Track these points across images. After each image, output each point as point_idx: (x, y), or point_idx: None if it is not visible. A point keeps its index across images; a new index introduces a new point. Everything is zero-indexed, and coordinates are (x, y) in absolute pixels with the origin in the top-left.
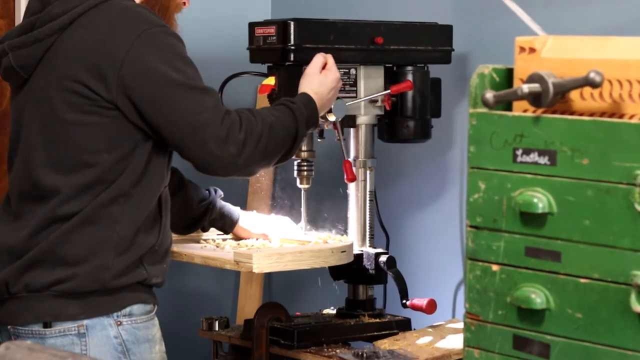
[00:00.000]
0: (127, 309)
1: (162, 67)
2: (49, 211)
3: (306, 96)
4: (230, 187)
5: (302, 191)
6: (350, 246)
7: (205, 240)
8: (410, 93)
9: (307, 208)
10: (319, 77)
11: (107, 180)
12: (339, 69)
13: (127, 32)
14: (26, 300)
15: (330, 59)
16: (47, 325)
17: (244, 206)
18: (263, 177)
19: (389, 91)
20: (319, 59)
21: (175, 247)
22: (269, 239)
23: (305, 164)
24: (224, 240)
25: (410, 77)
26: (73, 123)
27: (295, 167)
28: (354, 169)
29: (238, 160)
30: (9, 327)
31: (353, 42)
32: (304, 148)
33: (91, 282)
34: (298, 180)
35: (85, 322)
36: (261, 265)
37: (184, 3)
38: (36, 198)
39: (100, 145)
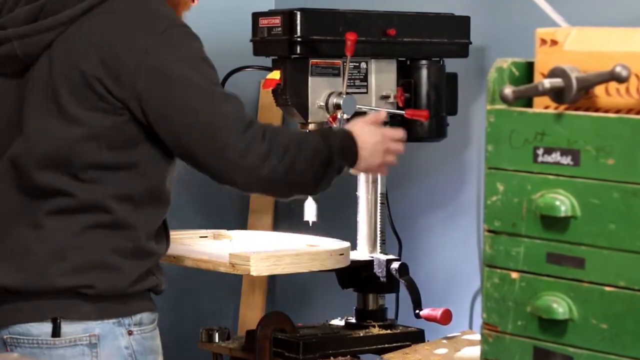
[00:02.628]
0: (138, 317)
1: (182, 68)
2: (49, 211)
3: (345, 131)
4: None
5: None
6: (348, 249)
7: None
8: (424, 88)
9: None
10: (370, 127)
11: (115, 184)
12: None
13: (147, 30)
14: (31, 300)
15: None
16: (55, 332)
17: (244, 221)
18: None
19: (403, 112)
20: (381, 115)
21: None
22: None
23: None
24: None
25: (424, 71)
26: (78, 119)
27: None
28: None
29: (260, 171)
30: (5, 336)
31: (364, 34)
32: (310, 119)
33: (108, 289)
34: None
35: (97, 330)
36: (259, 267)
37: (193, 0)
38: (33, 196)
39: (104, 146)
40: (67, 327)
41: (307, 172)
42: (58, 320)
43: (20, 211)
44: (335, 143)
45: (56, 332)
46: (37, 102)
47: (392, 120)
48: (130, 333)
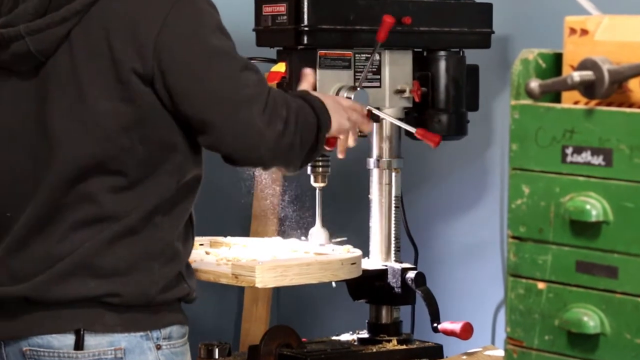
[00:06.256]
0: (168, 330)
1: (202, 34)
2: (75, 219)
3: (315, 96)
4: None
5: (317, 190)
6: (360, 257)
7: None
8: (443, 82)
9: (322, 211)
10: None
11: (147, 187)
12: (359, 53)
13: (162, 2)
14: (53, 309)
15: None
16: (78, 345)
17: (247, 227)
18: (269, 197)
19: (414, 131)
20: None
21: None
22: None
23: (320, 159)
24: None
25: (442, 63)
26: (105, 112)
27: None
28: (376, 169)
29: (282, 140)
30: (25, 348)
31: (377, 23)
32: None
33: (136, 297)
34: (312, 178)
35: (123, 344)
36: (265, 279)
37: None
38: (57, 204)
39: (135, 138)
40: (91, 340)
41: (310, 139)
42: (81, 332)
43: (43, 219)
44: (321, 110)
45: (79, 345)
46: (61, 101)
47: (407, 117)
48: (158, 347)
